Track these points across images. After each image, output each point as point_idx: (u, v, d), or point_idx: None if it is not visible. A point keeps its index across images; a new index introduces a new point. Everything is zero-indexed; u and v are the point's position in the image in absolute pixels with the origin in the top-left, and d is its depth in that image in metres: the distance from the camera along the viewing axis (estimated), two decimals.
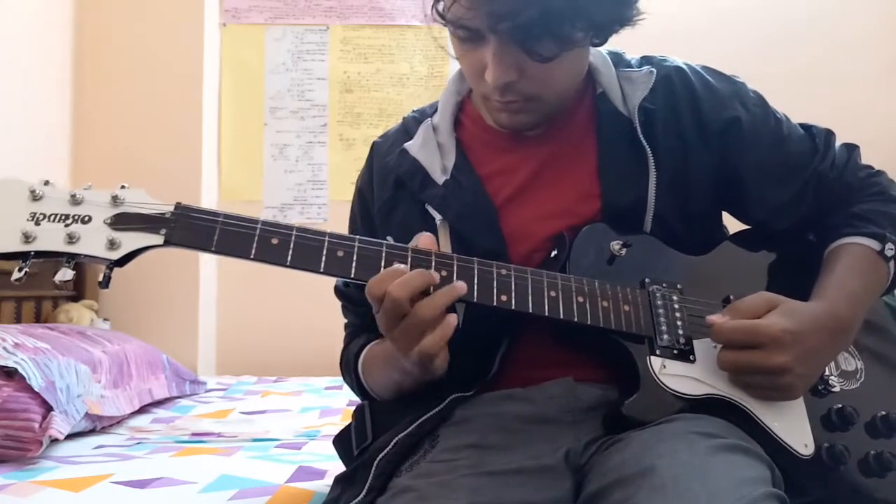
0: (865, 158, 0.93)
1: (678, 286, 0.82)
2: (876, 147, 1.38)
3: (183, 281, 2.59)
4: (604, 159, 0.86)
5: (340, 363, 0.98)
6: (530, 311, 0.74)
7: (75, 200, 0.68)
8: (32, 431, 1.27)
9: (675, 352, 0.78)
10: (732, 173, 0.88)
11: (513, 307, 0.74)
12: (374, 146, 0.98)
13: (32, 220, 0.66)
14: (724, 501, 0.57)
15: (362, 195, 0.96)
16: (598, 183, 0.85)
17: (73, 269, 0.67)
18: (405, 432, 0.77)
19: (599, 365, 0.81)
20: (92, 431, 1.54)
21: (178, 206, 0.70)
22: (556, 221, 0.84)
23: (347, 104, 2.89)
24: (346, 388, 2.05)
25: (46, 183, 0.69)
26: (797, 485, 0.73)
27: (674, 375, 0.76)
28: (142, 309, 2.54)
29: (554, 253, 0.83)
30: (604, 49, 0.91)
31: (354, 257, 0.72)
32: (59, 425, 1.32)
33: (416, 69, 2.89)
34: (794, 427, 0.77)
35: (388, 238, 0.75)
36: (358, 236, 0.73)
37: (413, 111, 1.00)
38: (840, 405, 0.81)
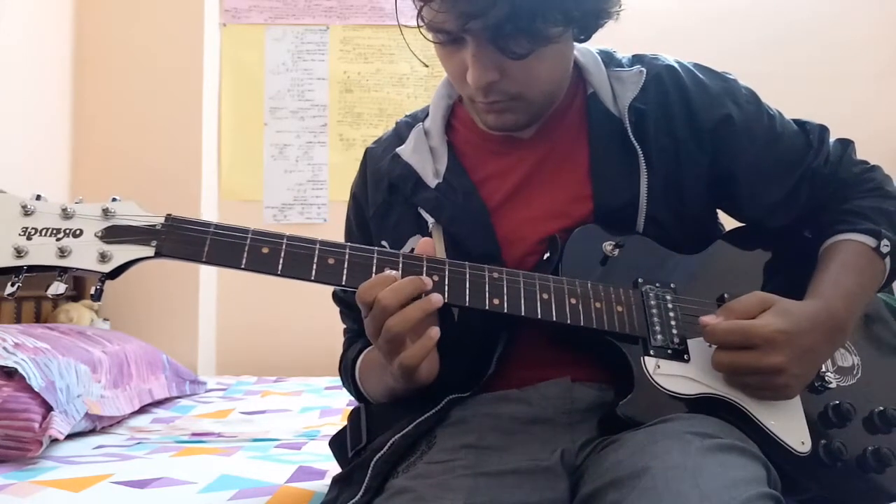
0: (866, 157, 0.93)
1: (672, 286, 0.82)
2: (876, 147, 1.38)
3: (183, 281, 2.59)
4: (595, 160, 0.86)
5: (339, 369, 0.99)
6: (523, 314, 0.74)
7: (66, 214, 0.68)
8: (32, 431, 1.27)
9: (670, 351, 0.78)
10: (725, 171, 0.87)
11: (505, 310, 0.74)
12: (367, 152, 0.99)
13: (24, 234, 0.67)
14: (716, 502, 0.57)
15: (357, 201, 0.97)
16: (590, 184, 0.85)
17: (66, 283, 0.68)
18: (402, 433, 0.77)
19: (596, 365, 0.81)
20: (92, 431, 1.55)
21: (168, 217, 0.70)
22: (549, 223, 0.84)
23: (347, 104, 2.89)
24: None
25: (38, 197, 0.69)
26: (794, 482, 0.73)
27: (668, 375, 0.76)
28: (142, 309, 2.54)
29: (546, 255, 0.83)
30: (594, 48, 0.91)
31: (345, 265, 0.72)
32: (59, 425, 1.32)
33: (416, 69, 2.89)
34: (790, 425, 0.77)
35: (384, 243, 0.75)
36: (349, 243, 0.74)
37: (405, 116, 1.00)
38: (837, 401, 0.80)
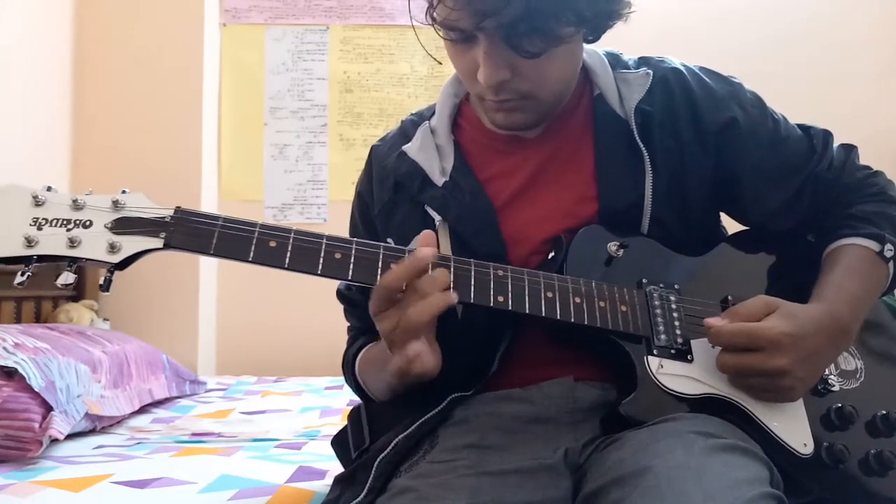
0: (865, 158, 0.93)
1: (675, 287, 0.82)
2: (876, 147, 1.38)
3: (183, 281, 2.59)
4: (601, 162, 0.86)
5: (342, 365, 0.99)
6: (527, 311, 0.74)
7: (77, 205, 0.69)
8: (32, 431, 1.27)
9: (673, 352, 0.78)
10: (730, 174, 0.88)
11: (510, 308, 0.74)
12: (372, 150, 0.99)
13: (35, 224, 0.67)
14: (720, 502, 0.57)
15: (362, 199, 0.97)
16: (596, 185, 0.85)
17: (75, 273, 0.68)
18: (405, 433, 0.77)
19: (599, 365, 0.81)
20: (92, 431, 1.54)
21: (177, 210, 0.71)
22: (554, 224, 0.84)
23: (347, 104, 2.89)
24: (346, 387, 2.04)
25: (49, 189, 0.70)
26: (797, 484, 0.73)
27: (671, 375, 0.76)
28: (142, 309, 2.54)
29: (551, 255, 0.83)
30: (601, 50, 0.91)
31: (352, 259, 0.72)
32: (59, 425, 1.32)
33: (416, 69, 2.89)
34: (793, 426, 0.77)
35: (389, 240, 0.76)
36: (356, 239, 0.74)
37: (411, 114, 1.00)
38: (840, 404, 0.81)
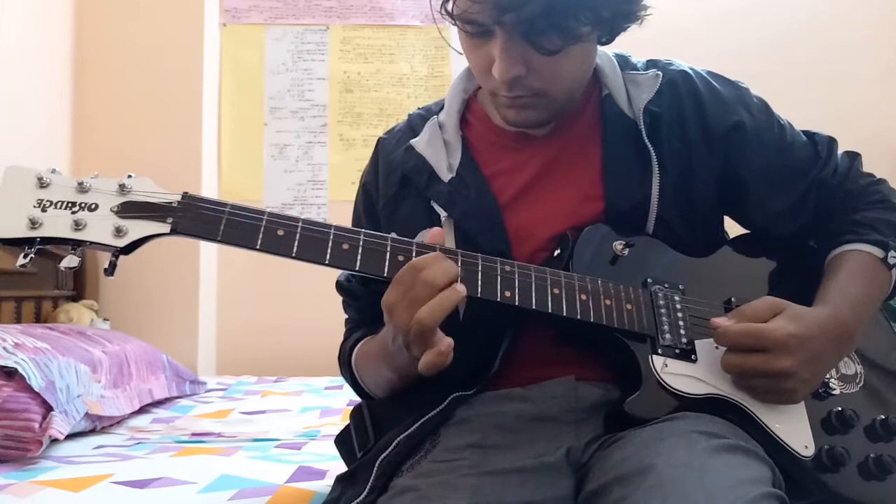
0: (865, 158, 0.94)
1: (680, 287, 0.83)
2: (876, 147, 1.38)
3: (183, 281, 2.58)
4: (608, 161, 0.86)
5: (339, 358, 0.98)
6: (534, 307, 0.74)
7: (82, 188, 0.68)
8: (32, 431, 1.27)
9: (677, 351, 0.78)
10: (735, 177, 0.88)
11: (516, 303, 0.74)
12: (379, 142, 0.98)
13: (39, 206, 0.66)
14: (722, 501, 0.57)
15: (367, 191, 0.96)
16: (602, 185, 0.85)
17: (79, 256, 0.67)
18: (407, 433, 0.77)
19: (601, 364, 0.81)
20: (92, 431, 1.54)
21: (185, 195, 0.70)
22: (559, 222, 0.85)
23: (347, 104, 2.89)
24: (346, 387, 2.04)
25: (53, 171, 0.69)
26: (797, 486, 0.73)
27: (675, 374, 0.76)
28: (142, 309, 2.54)
29: (557, 252, 0.83)
30: (610, 51, 0.91)
31: (360, 250, 0.72)
32: (59, 425, 1.32)
33: (416, 69, 2.89)
34: (794, 428, 0.77)
35: (393, 234, 0.75)
36: (363, 230, 0.73)
37: (419, 109, 1.00)
38: (840, 408, 0.81)
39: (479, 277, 0.73)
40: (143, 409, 1.81)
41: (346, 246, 0.71)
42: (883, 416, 0.82)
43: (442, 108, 0.95)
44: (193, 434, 1.56)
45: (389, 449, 0.76)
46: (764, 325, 0.74)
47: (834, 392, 0.82)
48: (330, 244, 0.71)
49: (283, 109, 2.87)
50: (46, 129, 2.49)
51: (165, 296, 2.56)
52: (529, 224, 0.85)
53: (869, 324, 0.87)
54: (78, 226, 0.66)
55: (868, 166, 0.94)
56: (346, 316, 1.01)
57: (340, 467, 0.89)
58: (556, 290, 0.76)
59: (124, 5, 2.69)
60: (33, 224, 0.65)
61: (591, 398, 0.80)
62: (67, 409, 1.39)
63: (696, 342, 0.79)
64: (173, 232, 0.68)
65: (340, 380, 2.17)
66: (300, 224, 0.71)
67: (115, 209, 0.68)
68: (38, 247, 0.66)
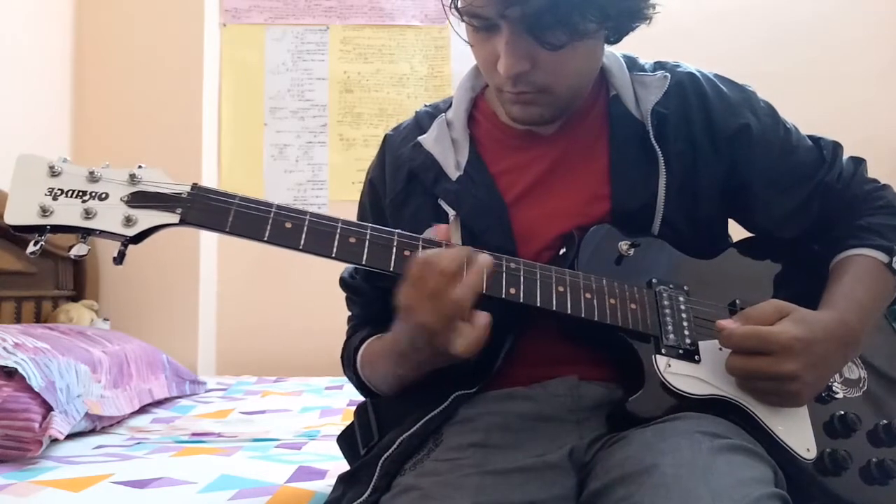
0: (866, 157, 0.94)
1: (685, 288, 0.83)
2: (876, 147, 1.38)
3: (183, 281, 2.58)
4: (615, 161, 0.86)
5: (342, 357, 0.98)
6: (538, 304, 0.74)
7: (93, 177, 0.69)
8: (32, 431, 1.27)
9: (681, 352, 0.78)
10: (740, 180, 0.88)
11: (521, 300, 0.74)
12: (386, 138, 0.98)
13: (50, 195, 0.67)
14: (725, 500, 0.57)
15: (373, 186, 0.96)
16: (609, 185, 0.85)
17: (89, 245, 0.68)
18: (410, 432, 0.77)
19: (604, 363, 0.81)
20: (92, 431, 1.54)
21: (194, 186, 0.71)
22: (565, 221, 0.85)
23: (347, 104, 2.89)
24: (346, 387, 2.04)
25: (65, 160, 0.69)
26: (799, 489, 0.73)
27: (678, 375, 0.76)
28: (142, 309, 2.54)
29: (562, 251, 0.83)
30: (618, 52, 0.91)
31: (366, 244, 0.72)
32: (59, 425, 1.32)
33: (416, 69, 2.89)
34: (796, 431, 0.77)
35: (399, 229, 0.76)
36: (370, 224, 0.74)
37: (426, 106, 1.00)
38: (843, 412, 0.81)
39: (485, 275, 0.73)
40: (143, 409, 1.80)
41: (352, 240, 0.71)
42: (886, 421, 0.82)
43: (450, 105, 0.95)
44: (193, 434, 1.55)
45: (392, 448, 0.76)
46: (769, 328, 0.74)
47: (837, 396, 0.82)
48: (337, 237, 0.71)
49: (283, 109, 2.87)
50: (46, 129, 2.49)
51: (165, 296, 2.56)
52: (535, 223, 0.85)
53: (873, 328, 0.87)
54: (88, 214, 0.67)
55: (868, 166, 0.94)
56: (350, 313, 1.01)
57: (341, 467, 0.89)
58: (560, 289, 0.76)
59: (124, 5, 2.69)
60: (44, 212, 0.66)
61: (594, 397, 0.80)
62: (67, 409, 1.39)
63: (700, 343, 0.79)
64: (182, 222, 0.69)
65: (340, 380, 2.17)
66: (308, 217, 0.71)
67: (125, 199, 0.68)
68: (48, 234, 0.67)
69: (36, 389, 1.32)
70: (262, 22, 2.89)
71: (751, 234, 0.95)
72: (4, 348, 1.39)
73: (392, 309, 0.73)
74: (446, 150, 0.89)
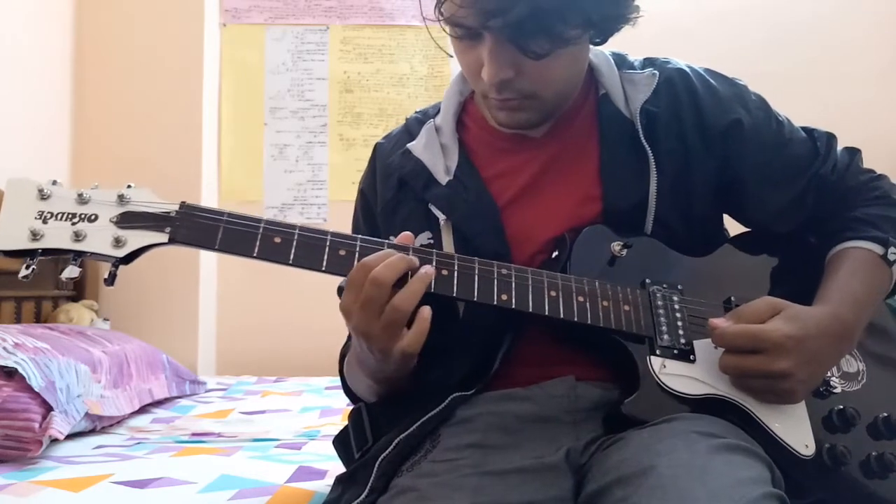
0: (865, 158, 0.93)
1: (679, 287, 0.83)
2: (876, 147, 1.38)
3: (183, 281, 2.58)
4: (605, 161, 0.86)
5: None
6: (530, 310, 0.74)
7: (82, 199, 0.69)
8: (32, 431, 1.27)
9: (676, 352, 0.78)
10: (733, 175, 0.88)
11: (513, 306, 0.74)
12: (376, 147, 0.98)
13: (40, 218, 0.68)
14: (723, 501, 0.57)
15: (364, 196, 0.97)
16: (600, 185, 0.85)
17: (80, 267, 0.68)
18: (407, 433, 0.77)
19: (602, 364, 0.81)
20: (92, 431, 1.54)
21: (182, 205, 0.71)
22: (558, 223, 0.85)
23: (347, 104, 2.89)
24: None
25: (54, 182, 0.70)
26: (798, 485, 0.73)
27: (674, 375, 0.76)
28: (142, 309, 2.54)
29: (555, 254, 0.83)
30: (607, 50, 0.91)
31: (356, 256, 0.72)
32: (59, 425, 1.32)
33: (416, 69, 2.89)
34: (794, 427, 0.77)
35: (392, 238, 0.76)
36: (360, 235, 0.74)
37: (416, 112, 1.00)
38: (841, 406, 0.81)
39: (476, 281, 0.74)
40: (143, 409, 1.81)
41: (342, 252, 0.72)
42: (886, 414, 0.82)
43: (438, 111, 0.95)
44: (193, 434, 1.56)
45: (389, 449, 0.76)
46: (761, 326, 0.74)
47: (835, 390, 0.82)
48: (327, 251, 0.72)
49: (283, 109, 2.87)
50: (46, 129, 2.49)
51: (165, 296, 2.56)
52: (528, 226, 0.85)
53: (872, 319, 0.87)
54: (78, 237, 0.67)
55: (868, 166, 0.94)
56: None
57: (341, 467, 0.89)
58: (553, 293, 0.76)
59: (124, 5, 2.70)
60: (35, 236, 0.66)
61: (591, 398, 0.80)
62: (67, 409, 1.39)
63: (695, 342, 0.79)
64: (171, 241, 0.69)
65: None
66: (297, 231, 0.72)
67: (115, 220, 0.69)
68: (39, 258, 0.67)
69: (36, 389, 1.32)
70: (262, 22, 2.89)
71: (746, 229, 0.94)
72: (4, 348, 1.39)
73: None
74: (435, 155, 0.89)
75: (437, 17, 0.77)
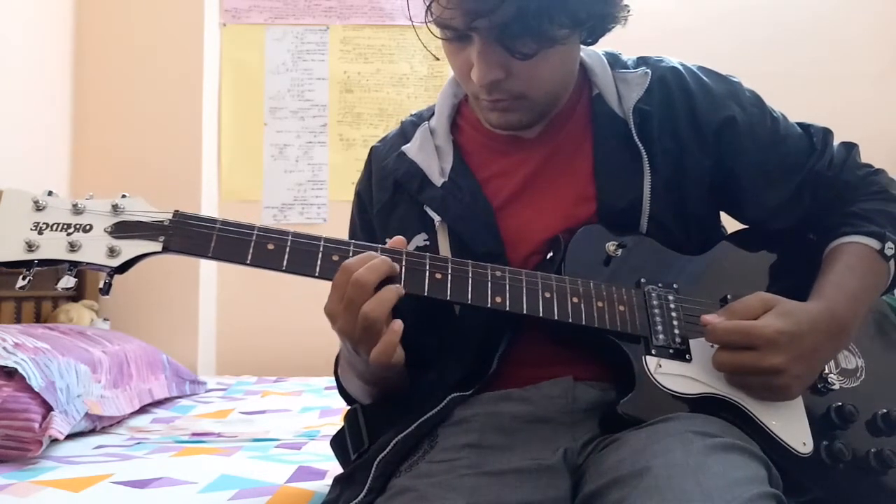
0: (866, 158, 0.93)
1: (674, 286, 0.82)
2: (876, 147, 1.38)
3: (183, 281, 2.58)
4: (599, 161, 0.86)
5: None
6: (525, 312, 0.75)
7: (77, 210, 0.70)
8: (32, 431, 1.27)
9: (671, 351, 0.78)
10: (729, 173, 0.88)
11: (507, 309, 0.74)
12: (372, 150, 0.99)
13: (35, 229, 0.68)
14: (718, 501, 0.57)
15: (360, 199, 0.97)
16: (594, 185, 0.85)
17: (75, 277, 0.69)
18: (404, 433, 0.77)
19: (598, 365, 0.81)
20: (92, 431, 1.54)
21: (176, 213, 0.71)
22: (553, 224, 0.85)
23: (347, 104, 2.89)
24: None
25: (49, 193, 0.71)
26: (796, 483, 0.73)
27: (670, 375, 0.76)
28: (142, 309, 2.54)
29: (550, 255, 0.83)
30: (600, 50, 0.91)
31: None
32: (59, 425, 1.32)
33: (416, 69, 2.89)
34: (792, 425, 0.77)
35: (387, 241, 0.76)
36: (353, 241, 0.74)
37: (411, 115, 1.00)
38: (840, 403, 0.80)
39: (470, 284, 0.74)
40: (143, 409, 1.81)
41: (335, 258, 0.72)
42: (885, 410, 0.82)
43: (433, 113, 0.95)
44: (193, 434, 1.56)
45: (387, 449, 0.76)
46: (753, 322, 0.74)
47: (833, 387, 0.81)
48: (320, 256, 0.72)
49: (283, 109, 2.88)
50: (46, 129, 2.49)
51: (165, 296, 2.56)
52: (523, 226, 0.85)
53: (870, 315, 0.87)
54: (73, 247, 0.68)
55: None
56: None
57: (340, 467, 0.89)
58: (547, 294, 0.76)
59: (124, 5, 2.70)
60: (30, 247, 0.67)
61: (588, 399, 0.80)
62: (67, 409, 1.39)
63: (691, 341, 0.79)
64: (165, 250, 0.70)
65: None
66: (290, 237, 0.72)
67: (109, 230, 0.70)
68: (35, 269, 0.68)
69: (36, 389, 1.32)
70: (262, 22, 2.89)
71: (743, 227, 0.94)
72: (4, 348, 1.39)
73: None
74: (430, 157, 0.90)
75: (425, 20, 0.77)
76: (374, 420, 0.84)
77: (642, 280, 0.81)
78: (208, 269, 2.69)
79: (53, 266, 0.69)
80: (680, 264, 0.85)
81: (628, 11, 0.80)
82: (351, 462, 0.82)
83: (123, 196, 0.71)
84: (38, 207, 0.69)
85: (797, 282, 0.83)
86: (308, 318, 2.57)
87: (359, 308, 0.69)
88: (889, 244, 0.82)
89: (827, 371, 0.82)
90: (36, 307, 2.25)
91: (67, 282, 0.68)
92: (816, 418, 0.79)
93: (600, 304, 0.77)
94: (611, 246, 0.81)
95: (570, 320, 0.76)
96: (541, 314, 0.75)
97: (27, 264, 0.67)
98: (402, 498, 0.70)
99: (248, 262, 0.71)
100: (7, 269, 0.68)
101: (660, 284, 0.82)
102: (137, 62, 2.67)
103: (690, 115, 0.87)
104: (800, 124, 0.92)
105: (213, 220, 0.72)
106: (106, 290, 0.71)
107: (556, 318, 0.75)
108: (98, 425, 1.55)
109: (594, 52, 0.91)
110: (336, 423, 1.62)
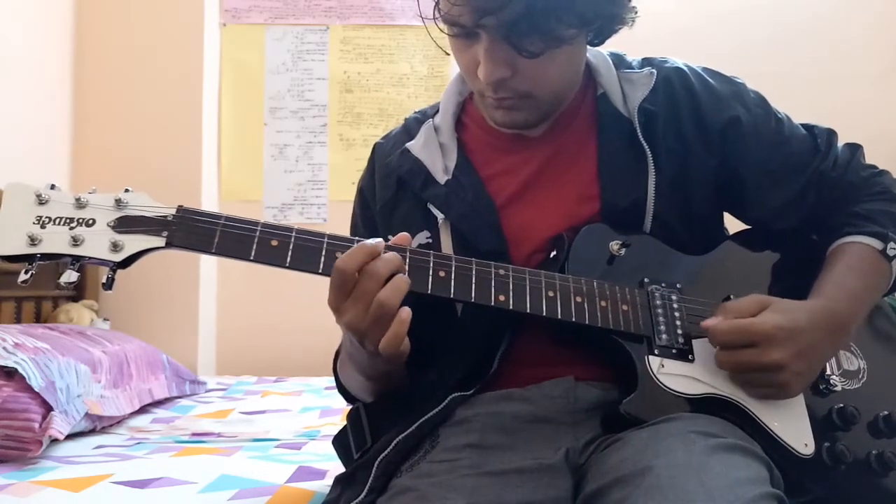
0: (866, 158, 0.93)
1: (677, 286, 0.82)
2: (876, 147, 1.38)
3: (183, 281, 2.58)
4: (604, 160, 0.86)
5: None
6: (528, 311, 0.74)
7: (80, 204, 0.69)
8: (32, 431, 1.27)
9: (674, 351, 0.78)
10: (733, 173, 0.88)
11: (510, 307, 0.74)
12: (375, 147, 0.99)
13: (38, 223, 0.68)
14: (720, 501, 0.57)
15: (363, 196, 0.97)
16: (598, 184, 0.85)
17: (78, 272, 0.68)
18: (406, 433, 0.77)
19: (600, 364, 0.81)
20: (92, 431, 1.54)
21: (179, 208, 0.71)
22: (556, 222, 0.85)
23: (347, 104, 2.89)
24: None
25: (52, 187, 0.70)
26: (797, 484, 0.73)
27: (672, 375, 0.76)
28: (142, 309, 2.54)
29: (553, 253, 0.83)
30: (605, 50, 0.91)
31: None
32: (59, 425, 1.32)
33: (416, 69, 2.89)
34: (794, 426, 0.77)
35: (390, 237, 0.76)
36: (357, 237, 0.74)
37: (415, 112, 1.00)
38: (841, 405, 0.80)
39: (473, 282, 0.74)
40: (143, 409, 1.81)
41: (339, 254, 0.72)
42: (886, 412, 0.82)
43: (437, 111, 0.95)
44: (193, 434, 1.56)
45: (388, 449, 0.76)
46: (750, 319, 0.74)
47: (835, 388, 0.81)
48: (323, 253, 0.72)
49: (283, 109, 2.87)
50: (47, 129, 2.49)
51: (165, 296, 2.56)
52: (527, 225, 0.85)
53: (872, 318, 0.87)
54: (76, 241, 0.67)
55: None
56: None
57: (340, 467, 0.89)
58: (550, 293, 0.76)
59: (124, 5, 2.70)
60: (33, 241, 0.67)
61: (590, 398, 0.80)
62: (67, 409, 1.39)
63: (694, 342, 0.79)
64: (168, 245, 0.70)
65: None
66: (294, 234, 0.72)
67: (112, 224, 0.69)
68: (38, 262, 0.67)
69: (36, 389, 1.32)
70: (262, 22, 2.89)
71: (746, 227, 0.94)
72: (4, 348, 1.39)
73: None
74: (434, 155, 0.89)
75: (434, 17, 0.77)
76: (377, 419, 0.83)
77: (646, 279, 0.81)
78: (208, 269, 2.69)
79: (56, 260, 0.68)
80: (683, 264, 0.85)
81: (636, 13, 0.80)
82: (353, 461, 0.82)
83: (126, 190, 0.71)
84: (41, 201, 0.68)
85: (800, 282, 0.83)
86: (308, 318, 2.58)
87: (372, 297, 0.68)
88: (892, 245, 0.83)
89: (829, 372, 0.82)
90: (36, 307, 2.25)
91: (70, 276, 0.68)
92: (818, 419, 0.79)
93: (603, 303, 0.77)
94: (614, 245, 0.81)
95: (574, 319, 0.75)
96: (544, 313, 0.75)
97: (30, 258, 0.67)
98: (403, 498, 0.70)
99: (252, 258, 0.70)
100: (9, 262, 0.67)
101: (663, 284, 0.82)
102: (137, 62, 2.67)
103: (695, 115, 0.87)
104: (804, 125, 0.92)
105: (217, 216, 0.71)
106: (109, 284, 0.70)
107: (559, 317, 0.75)
108: (98, 425, 1.55)
109: (599, 52, 0.91)
110: (336, 423, 1.62)
